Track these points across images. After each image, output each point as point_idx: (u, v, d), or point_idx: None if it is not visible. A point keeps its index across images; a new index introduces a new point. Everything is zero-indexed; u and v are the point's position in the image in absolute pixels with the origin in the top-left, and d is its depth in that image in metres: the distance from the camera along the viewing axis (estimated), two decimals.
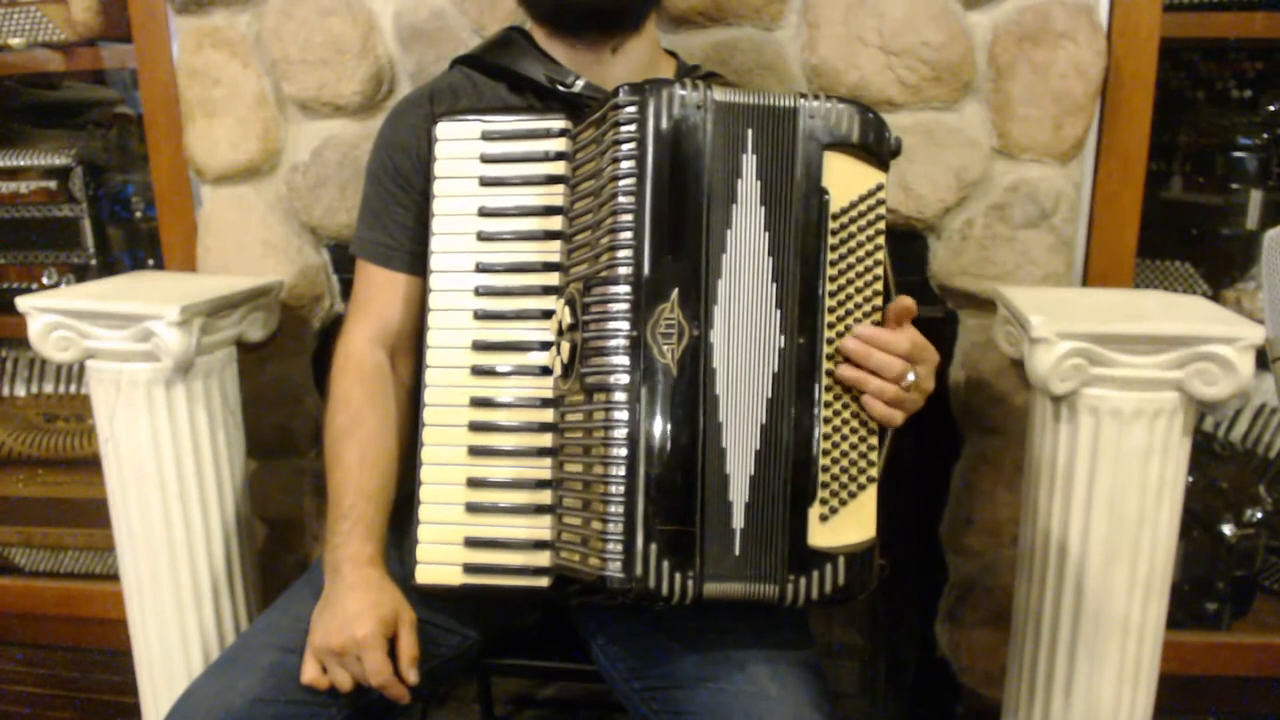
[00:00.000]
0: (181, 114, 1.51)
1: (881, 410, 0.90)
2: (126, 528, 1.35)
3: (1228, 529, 1.67)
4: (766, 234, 0.89)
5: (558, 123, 0.95)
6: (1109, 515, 1.17)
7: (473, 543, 0.95)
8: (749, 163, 0.88)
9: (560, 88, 1.03)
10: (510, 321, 0.96)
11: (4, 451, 1.98)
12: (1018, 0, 1.34)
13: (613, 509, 0.84)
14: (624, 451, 0.84)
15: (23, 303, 1.30)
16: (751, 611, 0.98)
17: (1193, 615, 1.69)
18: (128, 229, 1.91)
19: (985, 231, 1.40)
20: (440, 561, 0.96)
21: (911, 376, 0.89)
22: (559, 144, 0.95)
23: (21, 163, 1.85)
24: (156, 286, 1.42)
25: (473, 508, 0.96)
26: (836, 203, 0.89)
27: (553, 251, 0.95)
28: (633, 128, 0.86)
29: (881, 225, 0.91)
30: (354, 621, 0.92)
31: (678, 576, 0.84)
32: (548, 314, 0.95)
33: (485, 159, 0.97)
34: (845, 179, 0.90)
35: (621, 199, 0.86)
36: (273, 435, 1.61)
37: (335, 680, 0.93)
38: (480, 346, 0.96)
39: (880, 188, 0.91)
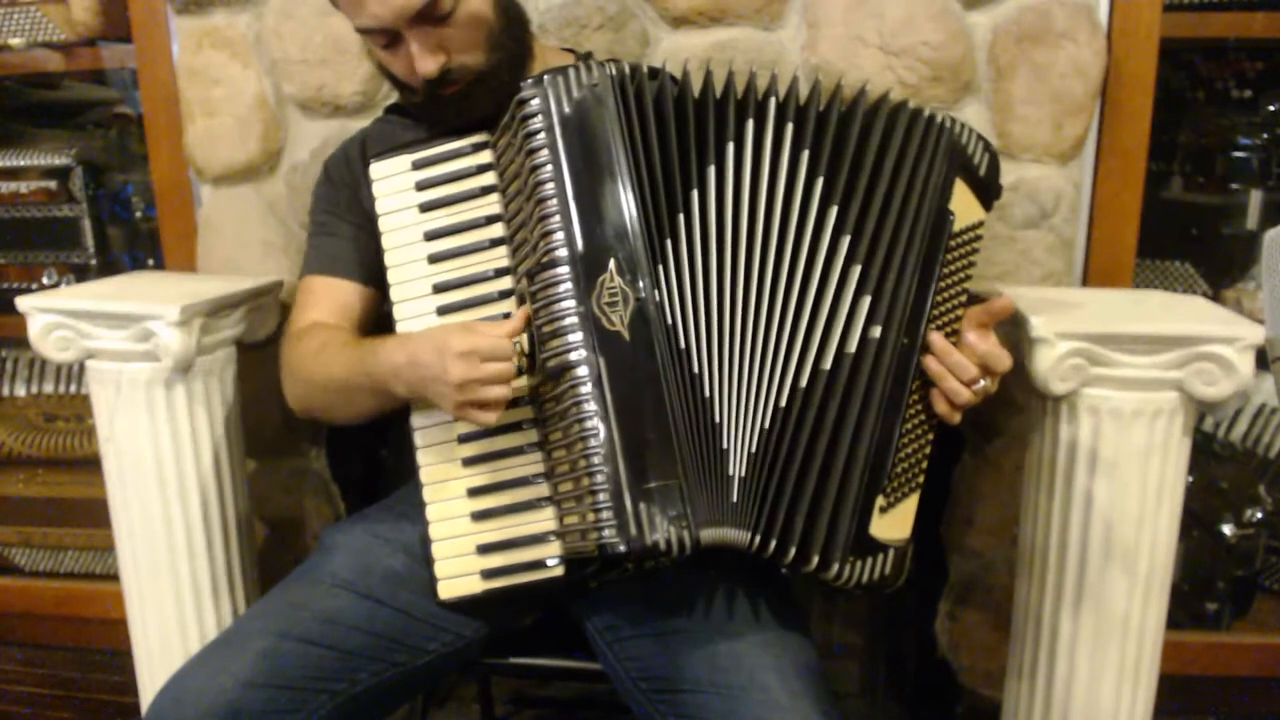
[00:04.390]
0: (181, 114, 1.52)
1: (945, 408, 0.94)
2: (126, 527, 1.35)
3: (1228, 529, 1.67)
4: (834, 208, 0.92)
5: (478, 137, 0.99)
6: (1109, 515, 1.17)
7: (485, 549, 0.97)
8: (762, 136, 0.92)
9: None
10: None
11: (4, 451, 1.98)
12: (1018, 0, 1.34)
13: (598, 479, 0.86)
14: (594, 423, 0.87)
15: (23, 303, 1.30)
16: (758, 612, 0.99)
17: (1193, 615, 1.69)
18: (128, 229, 1.91)
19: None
20: (459, 574, 0.98)
21: (983, 383, 0.93)
22: (484, 156, 0.99)
23: (21, 163, 1.85)
24: (156, 286, 1.42)
25: (478, 516, 0.97)
26: (958, 224, 0.96)
27: (501, 258, 0.98)
28: (539, 119, 0.90)
29: (975, 259, 0.96)
30: (436, 334, 0.92)
31: (672, 529, 0.86)
32: (508, 317, 0.97)
33: (420, 186, 1.01)
34: (961, 206, 0.96)
35: (544, 187, 0.89)
36: (273, 435, 1.61)
37: (485, 376, 0.89)
38: None
39: (981, 225, 0.97)
